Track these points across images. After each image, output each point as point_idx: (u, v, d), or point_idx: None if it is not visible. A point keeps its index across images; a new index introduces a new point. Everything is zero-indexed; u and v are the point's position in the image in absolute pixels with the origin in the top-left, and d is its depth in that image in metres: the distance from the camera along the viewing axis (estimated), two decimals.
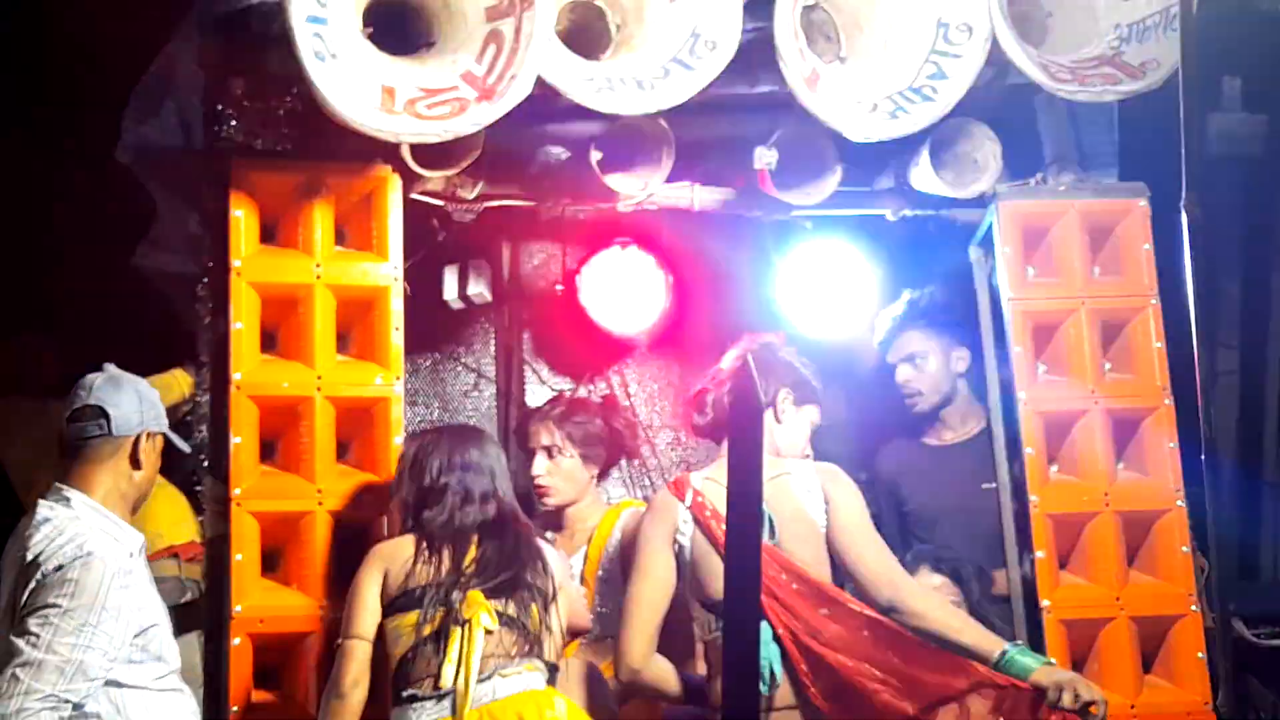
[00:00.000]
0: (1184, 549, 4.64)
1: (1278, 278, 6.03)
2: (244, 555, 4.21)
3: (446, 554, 3.97)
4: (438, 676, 3.83)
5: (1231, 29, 5.31)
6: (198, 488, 4.60)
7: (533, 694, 3.86)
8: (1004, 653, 3.93)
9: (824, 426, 4.37)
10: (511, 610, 3.93)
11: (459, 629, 3.86)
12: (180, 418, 4.90)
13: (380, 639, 3.94)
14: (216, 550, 4.29)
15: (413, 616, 3.91)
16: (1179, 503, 4.66)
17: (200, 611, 4.49)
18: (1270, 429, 5.93)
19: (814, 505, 4.09)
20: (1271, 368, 5.95)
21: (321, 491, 4.28)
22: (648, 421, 5.36)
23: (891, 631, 3.96)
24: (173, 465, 4.94)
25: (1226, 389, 5.89)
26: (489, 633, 3.86)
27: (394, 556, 4.00)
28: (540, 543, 4.12)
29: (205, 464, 4.44)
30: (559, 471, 4.71)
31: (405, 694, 3.87)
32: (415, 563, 3.96)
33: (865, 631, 3.95)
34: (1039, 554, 4.59)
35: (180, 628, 4.47)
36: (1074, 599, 4.61)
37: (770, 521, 3.99)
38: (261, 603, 4.21)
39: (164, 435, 3.89)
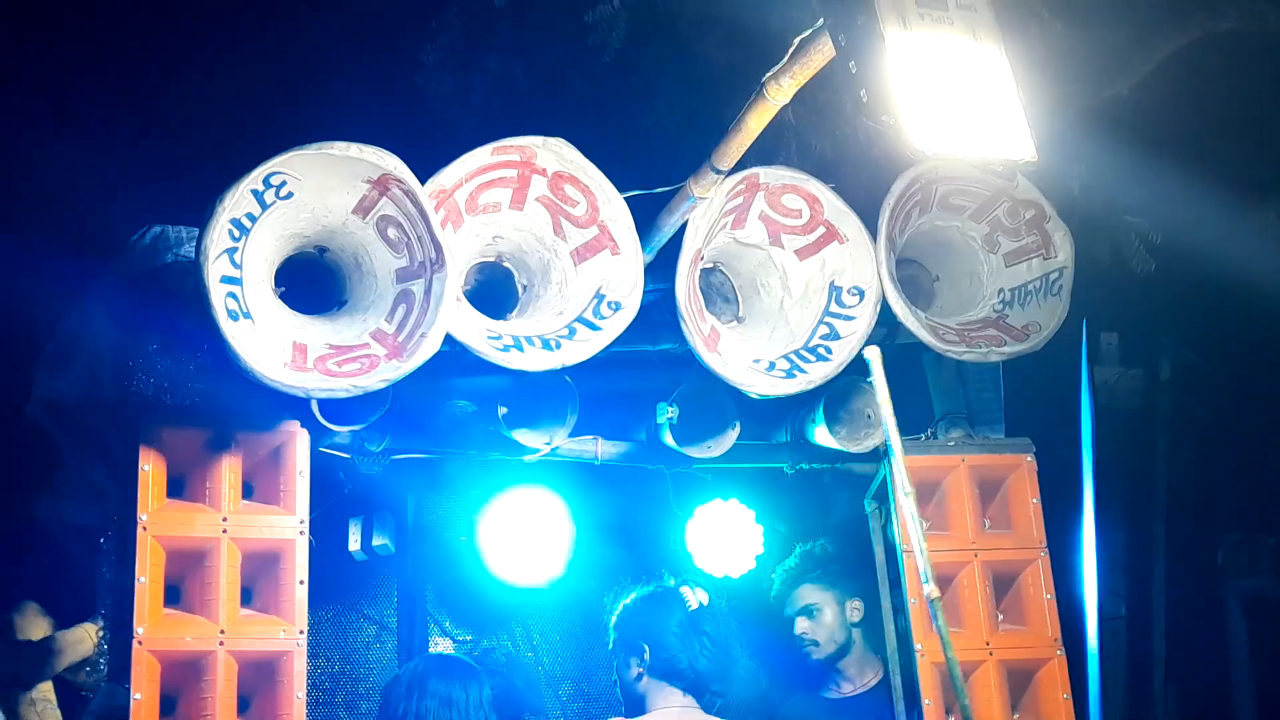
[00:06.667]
0: None
1: (1159, 524, 6.22)
2: None
3: None
4: None
5: (1106, 288, 5.60)
6: None
7: None
8: None
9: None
10: None
11: None
12: (83, 674, 4.85)
13: None
14: None
15: None
16: None
17: None
18: (1158, 673, 6.06)
19: None
20: (1157, 612, 6.10)
21: None
22: (551, 672, 5.36)
23: None
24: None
25: (1114, 635, 6.03)
26: None
27: None
28: None
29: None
30: None
31: None
32: None
33: None
34: None
35: None
36: None
37: None
38: None
39: None
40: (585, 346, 4.40)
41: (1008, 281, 4.84)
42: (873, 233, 4.63)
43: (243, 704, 4.36)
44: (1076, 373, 5.67)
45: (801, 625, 5.14)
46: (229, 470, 4.42)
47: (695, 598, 4.52)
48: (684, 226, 4.43)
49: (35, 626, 5.05)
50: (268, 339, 4.12)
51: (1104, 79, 5.26)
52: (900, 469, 3.77)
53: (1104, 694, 5.57)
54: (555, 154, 4.37)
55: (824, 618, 5.14)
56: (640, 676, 4.43)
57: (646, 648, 4.43)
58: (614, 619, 4.60)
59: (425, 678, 4.09)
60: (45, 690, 4.98)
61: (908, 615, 4.82)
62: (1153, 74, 5.25)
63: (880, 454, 4.93)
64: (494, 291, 4.60)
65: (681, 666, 4.43)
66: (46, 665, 4.86)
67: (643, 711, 4.40)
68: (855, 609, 5.16)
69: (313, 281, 4.37)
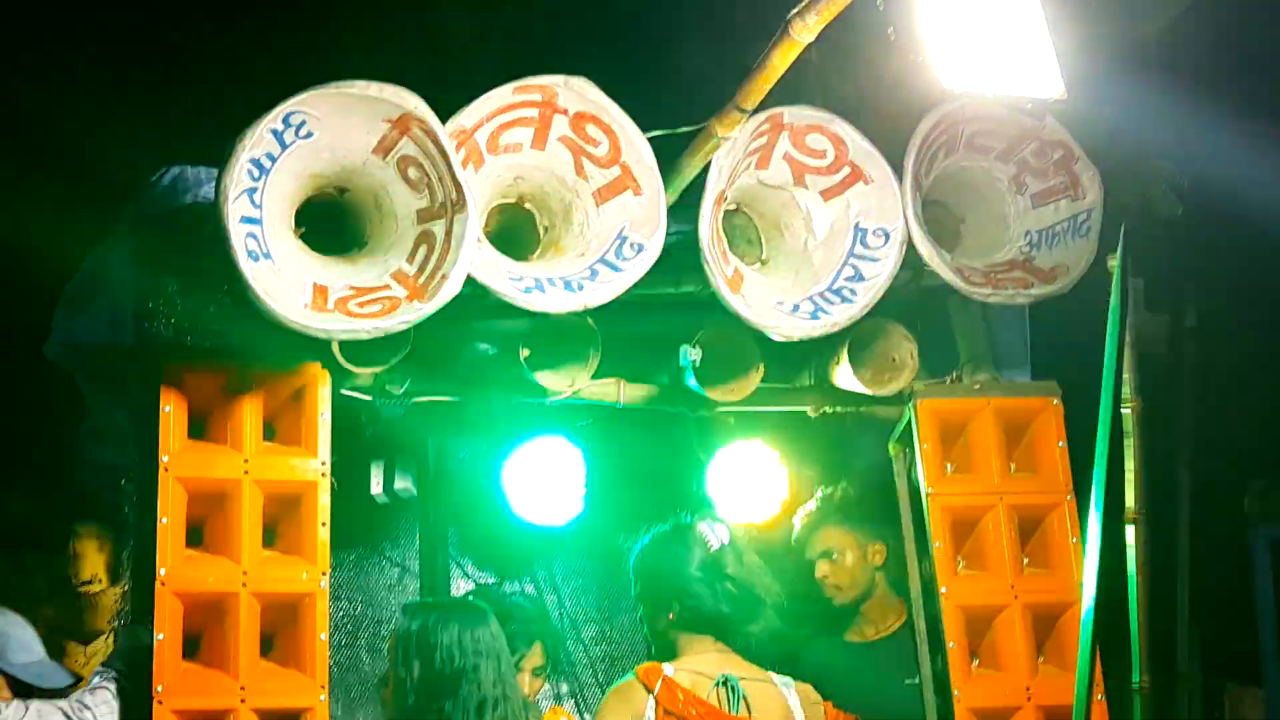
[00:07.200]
0: None
1: (1184, 470, 6.18)
2: None
3: None
4: None
5: (1134, 232, 5.54)
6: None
7: None
8: None
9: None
10: None
11: None
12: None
13: None
14: None
15: None
16: (1100, 697, 4.71)
17: None
18: (1182, 618, 6.03)
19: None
20: (1181, 558, 6.07)
21: (245, 689, 4.22)
22: (573, 616, 5.37)
23: None
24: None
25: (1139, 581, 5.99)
26: None
27: None
28: None
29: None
30: None
31: None
32: None
33: None
34: None
35: None
36: None
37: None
38: None
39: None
40: (607, 288, 4.37)
41: (1035, 223, 4.79)
42: (898, 174, 4.58)
43: (265, 645, 4.36)
44: (1104, 316, 5.63)
45: (822, 569, 5.12)
46: (250, 412, 4.41)
47: (715, 536, 4.50)
48: (707, 167, 4.39)
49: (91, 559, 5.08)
50: (288, 280, 4.09)
51: (1133, 19, 5.19)
52: (1123, 342, 3.89)
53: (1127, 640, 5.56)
54: (577, 93, 4.32)
55: (845, 561, 5.11)
56: (669, 626, 4.46)
57: (675, 600, 4.44)
58: (635, 564, 4.60)
59: (477, 626, 4.13)
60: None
61: (932, 558, 4.80)
62: (1183, 14, 5.18)
63: (904, 397, 4.90)
64: (515, 233, 4.56)
65: (709, 614, 4.45)
66: (100, 619, 4.92)
67: (674, 657, 4.42)
68: (877, 552, 5.14)
69: (333, 222, 4.34)
